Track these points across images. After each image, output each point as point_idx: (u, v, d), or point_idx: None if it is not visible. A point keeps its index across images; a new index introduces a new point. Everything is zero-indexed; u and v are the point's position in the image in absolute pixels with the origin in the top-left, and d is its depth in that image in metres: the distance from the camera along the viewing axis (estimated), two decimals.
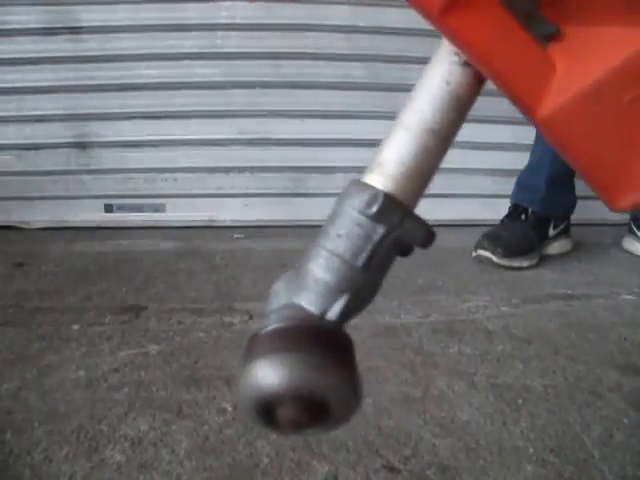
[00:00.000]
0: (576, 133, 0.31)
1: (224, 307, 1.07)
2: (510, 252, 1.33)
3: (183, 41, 1.53)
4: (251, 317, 1.03)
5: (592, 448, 0.70)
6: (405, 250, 0.33)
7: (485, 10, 0.29)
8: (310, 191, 1.66)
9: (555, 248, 1.47)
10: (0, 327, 0.98)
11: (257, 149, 1.62)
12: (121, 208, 1.64)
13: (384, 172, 0.32)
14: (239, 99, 1.59)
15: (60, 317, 1.02)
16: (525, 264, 1.35)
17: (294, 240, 1.53)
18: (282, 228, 1.63)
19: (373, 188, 0.31)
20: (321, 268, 0.31)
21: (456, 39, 0.30)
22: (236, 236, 1.56)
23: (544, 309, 1.11)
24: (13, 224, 1.60)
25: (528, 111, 0.31)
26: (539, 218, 1.42)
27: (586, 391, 0.82)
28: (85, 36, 1.51)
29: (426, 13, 0.28)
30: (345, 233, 0.31)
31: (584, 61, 0.30)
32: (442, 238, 1.46)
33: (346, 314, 0.32)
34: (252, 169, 1.63)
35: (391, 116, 1.42)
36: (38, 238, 1.53)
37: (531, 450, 0.69)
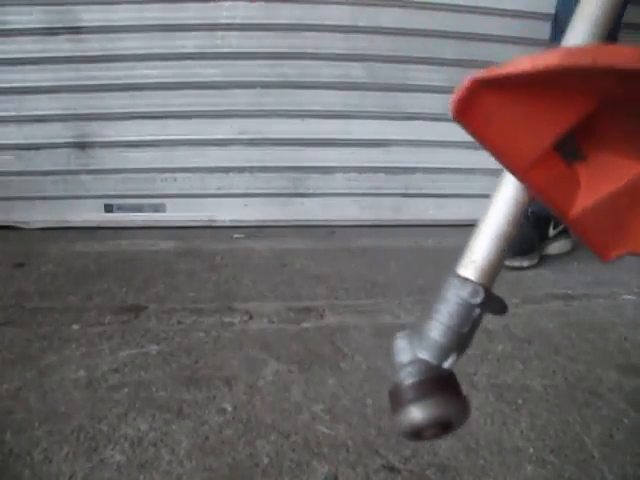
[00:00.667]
0: (590, 226, 0.45)
1: (224, 307, 1.07)
2: (510, 252, 1.33)
3: (183, 41, 1.53)
4: (251, 317, 1.03)
5: (592, 448, 0.70)
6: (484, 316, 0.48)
7: (549, 162, 0.40)
8: (310, 191, 1.66)
9: (555, 248, 1.47)
10: (0, 327, 0.98)
11: (257, 149, 1.62)
12: (121, 208, 1.64)
13: (477, 268, 0.46)
14: (239, 99, 1.59)
15: (60, 317, 1.02)
16: (525, 264, 1.35)
17: (294, 240, 1.53)
18: (282, 228, 1.63)
19: (473, 282, 0.46)
20: (438, 335, 0.47)
21: (529, 184, 0.42)
22: (236, 236, 1.56)
23: (544, 309, 1.11)
24: (13, 224, 1.60)
25: (561, 215, 0.44)
26: (539, 218, 1.42)
27: (586, 391, 0.82)
28: (85, 36, 1.51)
29: (513, 169, 0.40)
30: (455, 313, 0.46)
31: (598, 181, 0.43)
32: (442, 238, 1.46)
33: (455, 363, 0.48)
34: (252, 169, 1.63)
35: (391, 116, 1.43)
36: (38, 238, 1.53)
37: (531, 450, 0.69)
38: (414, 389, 0.46)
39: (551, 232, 1.45)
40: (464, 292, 0.46)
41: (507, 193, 0.46)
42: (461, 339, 0.47)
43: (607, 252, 0.47)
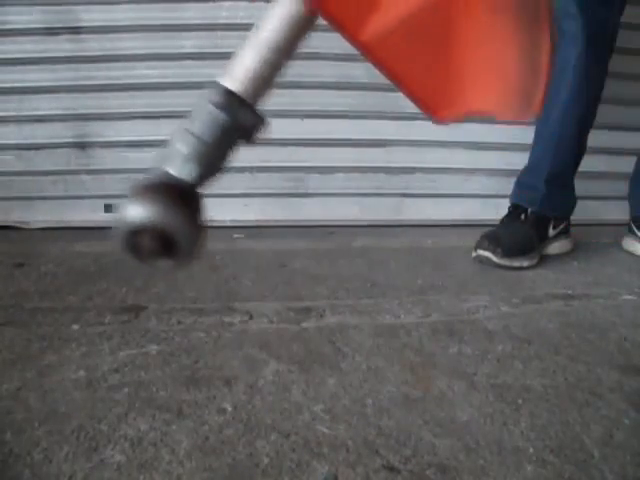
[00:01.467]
0: (393, 55, 0.40)
1: (224, 307, 1.07)
2: (510, 252, 1.33)
3: (183, 41, 1.53)
4: (251, 317, 1.03)
5: (592, 448, 0.70)
6: (245, 134, 0.44)
7: None
8: (310, 191, 1.66)
9: (555, 248, 1.47)
10: (0, 327, 0.98)
11: (257, 149, 1.61)
12: None
13: (232, 76, 0.43)
14: None
15: (60, 317, 1.02)
16: (525, 264, 1.35)
17: (294, 240, 1.53)
18: (282, 228, 1.63)
19: (222, 86, 0.42)
20: (180, 143, 0.43)
21: None
22: (236, 236, 1.56)
23: (544, 309, 1.11)
24: (13, 224, 1.60)
25: (351, 38, 0.40)
26: (539, 218, 1.42)
27: (586, 391, 0.82)
28: (85, 36, 1.51)
29: None
30: (199, 118, 0.42)
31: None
32: (442, 238, 1.46)
33: (198, 177, 0.44)
34: (252, 169, 1.63)
35: (391, 116, 1.43)
36: (38, 238, 1.53)
37: (531, 450, 0.69)
38: (135, 190, 0.42)
39: (551, 232, 1.45)
40: (209, 94, 0.43)
41: (280, 4, 0.43)
42: (205, 149, 0.43)
43: (437, 107, 0.42)
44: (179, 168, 0.43)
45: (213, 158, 0.44)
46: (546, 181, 1.40)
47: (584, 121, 1.39)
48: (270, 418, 0.74)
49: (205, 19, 1.52)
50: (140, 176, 0.44)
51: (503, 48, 0.39)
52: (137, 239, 0.42)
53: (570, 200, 1.48)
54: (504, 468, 0.66)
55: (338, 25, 0.40)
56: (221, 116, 0.42)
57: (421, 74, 0.42)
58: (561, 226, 1.47)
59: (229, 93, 0.42)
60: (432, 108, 0.43)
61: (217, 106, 0.42)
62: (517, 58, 0.39)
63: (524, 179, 1.46)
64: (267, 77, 0.44)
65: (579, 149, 1.42)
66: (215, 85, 0.43)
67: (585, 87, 1.34)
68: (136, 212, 0.41)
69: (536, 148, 1.43)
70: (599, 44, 1.31)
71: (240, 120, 0.43)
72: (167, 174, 0.43)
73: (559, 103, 1.35)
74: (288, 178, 1.65)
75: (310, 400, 0.78)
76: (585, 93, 1.35)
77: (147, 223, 0.41)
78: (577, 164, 1.45)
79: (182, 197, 0.43)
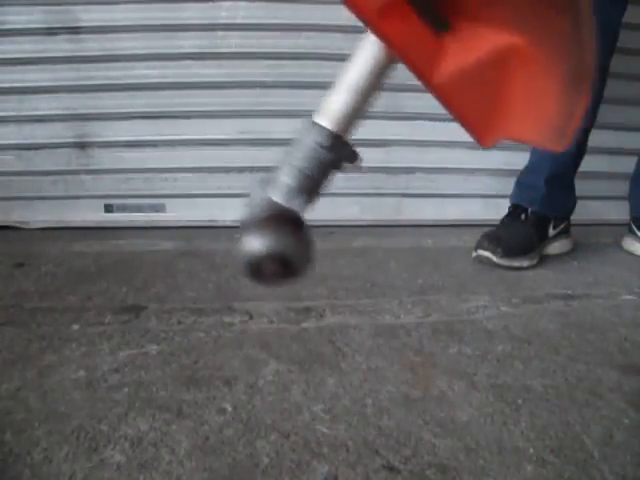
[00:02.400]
0: (457, 95, 0.47)
1: (224, 307, 1.07)
2: (510, 252, 1.33)
3: (183, 41, 1.53)
4: (251, 317, 1.03)
5: (592, 448, 0.70)
6: (339, 166, 0.51)
7: (402, 15, 0.43)
8: None
9: (555, 248, 1.47)
10: (0, 327, 0.98)
11: (257, 149, 1.62)
12: (121, 208, 1.64)
13: (330, 117, 0.50)
14: (239, 99, 1.59)
15: (60, 317, 1.02)
16: (525, 264, 1.35)
17: None
18: None
19: (325, 128, 0.49)
20: (288, 177, 0.50)
21: (381, 36, 0.44)
22: (236, 236, 1.56)
23: (544, 309, 1.11)
24: (13, 224, 1.60)
25: (425, 81, 0.46)
26: (539, 218, 1.42)
27: (586, 391, 0.82)
28: (85, 36, 1.51)
29: (362, 17, 0.41)
30: (305, 156, 0.49)
31: (465, 49, 0.46)
32: (442, 238, 1.46)
33: (303, 206, 0.51)
34: (252, 169, 1.63)
35: (391, 116, 1.42)
36: (38, 238, 1.53)
37: (531, 450, 0.69)
38: (255, 222, 0.50)
39: (551, 232, 1.45)
40: (315, 135, 0.49)
41: (366, 50, 0.49)
42: (310, 182, 0.50)
43: (484, 135, 0.49)
44: (287, 199, 0.50)
45: (315, 189, 0.51)
46: (546, 181, 1.40)
47: (585, 121, 1.39)
48: (270, 418, 0.74)
49: (204, 19, 1.52)
50: (246, 207, 0.52)
51: (547, 90, 0.47)
52: (262, 266, 0.50)
53: (570, 200, 1.48)
54: (504, 468, 0.66)
55: (416, 70, 0.46)
56: (328, 156, 0.49)
57: (475, 108, 0.49)
58: (561, 226, 1.47)
59: (333, 136, 0.49)
60: (480, 136, 0.50)
61: (324, 147, 0.49)
62: (557, 101, 0.47)
63: (524, 179, 1.46)
64: (357, 116, 0.52)
65: (580, 149, 1.42)
66: (318, 126, 0.50)
67: None
68: (261, 243, 0.49)
69: (536, 148, 1.43)
70: (600, 44, 1.30)
71: (341, 156, 0.50)
72: (276, 204, 0.50)
73: None
74: None
75: (310, 400, 0.78)
76: None
77: (271, 252, 0.49)
78: (577, 164, 1.45)
79: (294, 225, 0.50)
